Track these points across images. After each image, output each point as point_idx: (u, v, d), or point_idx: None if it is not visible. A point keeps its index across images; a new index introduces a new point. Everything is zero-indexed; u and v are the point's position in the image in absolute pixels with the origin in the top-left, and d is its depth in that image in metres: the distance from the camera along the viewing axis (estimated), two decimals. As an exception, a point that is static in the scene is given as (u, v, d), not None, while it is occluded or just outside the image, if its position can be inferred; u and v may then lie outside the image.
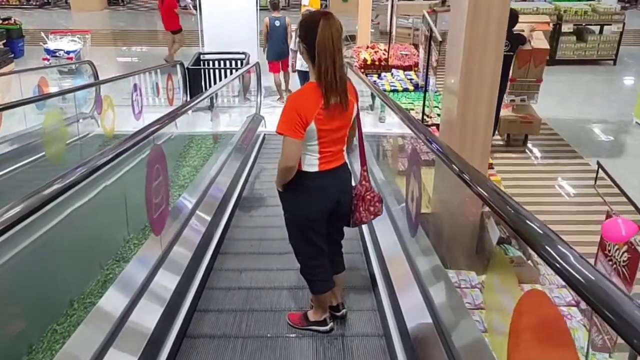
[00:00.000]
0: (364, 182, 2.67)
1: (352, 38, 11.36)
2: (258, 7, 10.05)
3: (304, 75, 9.07)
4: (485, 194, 1.76)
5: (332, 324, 2.82)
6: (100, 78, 8.27)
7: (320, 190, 2.50)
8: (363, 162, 2.72)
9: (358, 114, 2.60)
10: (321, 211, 2.54)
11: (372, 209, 2.66)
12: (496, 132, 6.87)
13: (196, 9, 9.96)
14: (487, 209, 3.75)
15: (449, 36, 3.67)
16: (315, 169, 2.45)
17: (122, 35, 15.15)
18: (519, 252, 3.50)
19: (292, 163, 2.37)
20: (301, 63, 9.00)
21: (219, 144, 7.31)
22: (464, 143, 3.57)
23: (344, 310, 2.91)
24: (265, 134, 7.90)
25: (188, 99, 8.78)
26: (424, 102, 5.43)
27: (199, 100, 4.66)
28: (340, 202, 2.59)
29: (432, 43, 4.87)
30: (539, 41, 6.87)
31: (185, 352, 2.69)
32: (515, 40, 6.32)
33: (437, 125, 6.13)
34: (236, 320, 2.95)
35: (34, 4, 17.83)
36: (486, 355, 1.91)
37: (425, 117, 5.71)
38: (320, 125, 2.34)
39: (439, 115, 5.95)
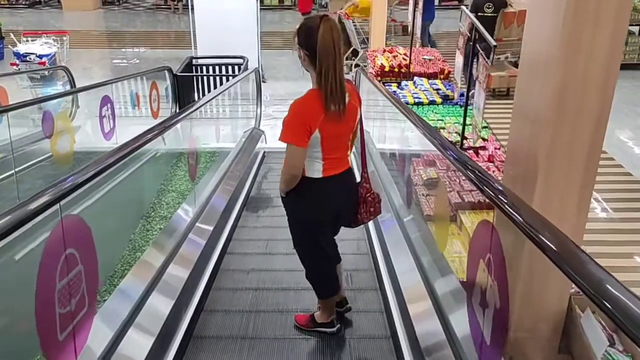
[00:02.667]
0: (364, 184, 2.62)
1: (369, 40, 10.17)
2: (258, 6, 8.92)
3: None
4: (580, 275, 1.17)
5: (339, 325, 2.80)
6: (86, 84, 7.17)
7: (325, 196, 2.49)
8: (364, 165, 2.67)
9: (361, 118, 2.57)
10: (326, 216, 2.55)
11: (372, 209, 2.64)
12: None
13: (187, 8, 8.83)
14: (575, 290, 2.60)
15: (525, 37, 2.50)
16: (320, 175, 2.43)
17: (115, 37, 14.09)
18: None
19: (296, 171, 2.37)
20: None
21: (207, 164, 6.26)
22: (550, 191, 2.38)
23: (348, 305, 2.89)
24: (265, 152, 6.81)
25: (177, 110, 7.65)
26: (464, 122, 4.24)
27: (172, 122, 3.53)
28: (344, 207, 2.60)
29: (478, 47, 3.68)
30: (520, 3, 8.09)
31: (192, 352, 2.66)
32: (499, 3, 7.35)
33: (475, 149, 4.97)
34: (243, 321, 2.93)
35: (23, 3, 16.77)
36: None
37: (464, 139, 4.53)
38: (324, 132, 2.32)
39: (484, 139, 4.77)
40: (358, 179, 2.69)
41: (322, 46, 2.21)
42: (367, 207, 2.62)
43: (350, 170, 2.56)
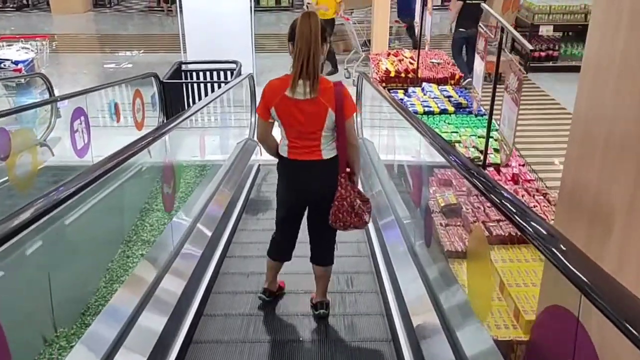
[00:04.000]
0: (339, 189, 2.64)
1: (370, 43, 9.54)
2: (252, 8, 8.35)
3: None
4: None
5: (268, 299, 3.01)
6: (71, 91, 6.61)
7: (286, 176, 2.72)
8: (342, 169, 2.65)
9: (342, 124, 2.54)
10: (288, 196, 2.77)
11: (340, 215, 2.64)
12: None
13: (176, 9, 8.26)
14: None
15: (591, 30, 1.91)
16: (285, 154, 2.65)
17: (106, 40, 13.51)
18: None
19: (262, 138, 2.70)
20: None
21: (197, 179, 5.70)
22: (628, 248, 1.79)
23: (321, 311, 2.91)
24: (260, 165, 6.24)
25: (165, 120, 7.07)
26: (488, 134, 3.66)
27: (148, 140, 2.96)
28: (311, 195, 2.71)
29: (506, 53, 3.09)
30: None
31: (192, 357, 2.67)
32: None
33: (495, 167, 4.39)
34: (243, 324, 2.95)
35: (11, 6, 16.20)
36: None
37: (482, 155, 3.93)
38: (280, 112, 2.54)
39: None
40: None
41: (298, 32, 2.39)
42: (334, 209, 2.65)
43: (322, 162, 2.61)
